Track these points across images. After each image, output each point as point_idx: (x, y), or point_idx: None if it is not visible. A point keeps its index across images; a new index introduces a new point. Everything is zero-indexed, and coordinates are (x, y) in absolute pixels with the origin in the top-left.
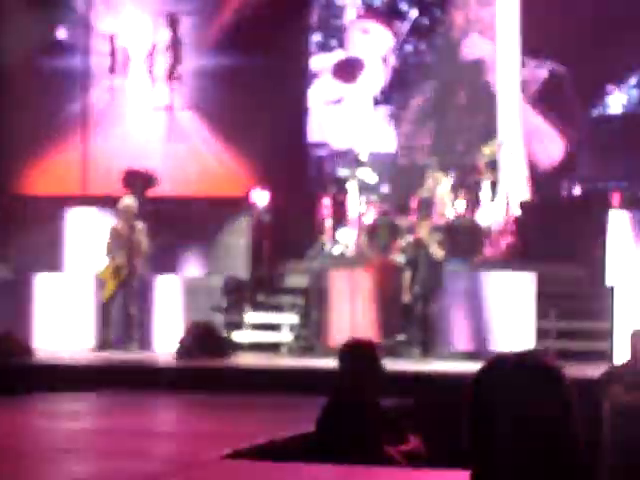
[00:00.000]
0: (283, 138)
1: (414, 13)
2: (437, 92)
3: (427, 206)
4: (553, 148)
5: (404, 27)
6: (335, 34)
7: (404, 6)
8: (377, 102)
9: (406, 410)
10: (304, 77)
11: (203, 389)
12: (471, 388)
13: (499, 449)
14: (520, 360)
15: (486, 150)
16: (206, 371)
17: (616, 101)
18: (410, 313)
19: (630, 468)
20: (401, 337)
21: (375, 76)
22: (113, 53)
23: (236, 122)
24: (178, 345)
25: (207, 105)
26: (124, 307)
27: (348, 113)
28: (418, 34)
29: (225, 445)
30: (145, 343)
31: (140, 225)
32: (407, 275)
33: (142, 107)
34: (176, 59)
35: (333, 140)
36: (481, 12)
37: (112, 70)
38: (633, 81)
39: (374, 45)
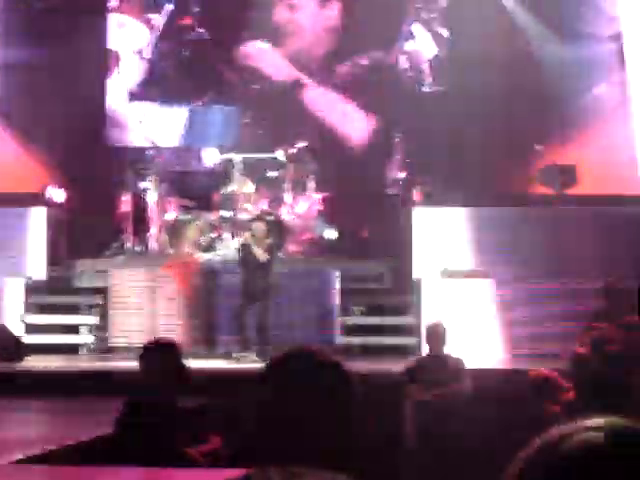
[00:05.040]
0: (80, 133)
1: (169, 7)
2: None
3: (230, 202)
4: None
5: (160, 21)
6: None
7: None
8: (132, 97)
9: (207, 409)
10: (101, 71)
11: None
12: (260, 386)
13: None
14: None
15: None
16: None
17: None
18: (242, 315)
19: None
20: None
21: (131, 70)
22: None
23: (31, 117)
24: None
25: (0, 101)
26: None
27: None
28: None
29: (17, 451)
30: None
31: None
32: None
33: None
34: None
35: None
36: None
37: None
38: None
39: (129, 39)
